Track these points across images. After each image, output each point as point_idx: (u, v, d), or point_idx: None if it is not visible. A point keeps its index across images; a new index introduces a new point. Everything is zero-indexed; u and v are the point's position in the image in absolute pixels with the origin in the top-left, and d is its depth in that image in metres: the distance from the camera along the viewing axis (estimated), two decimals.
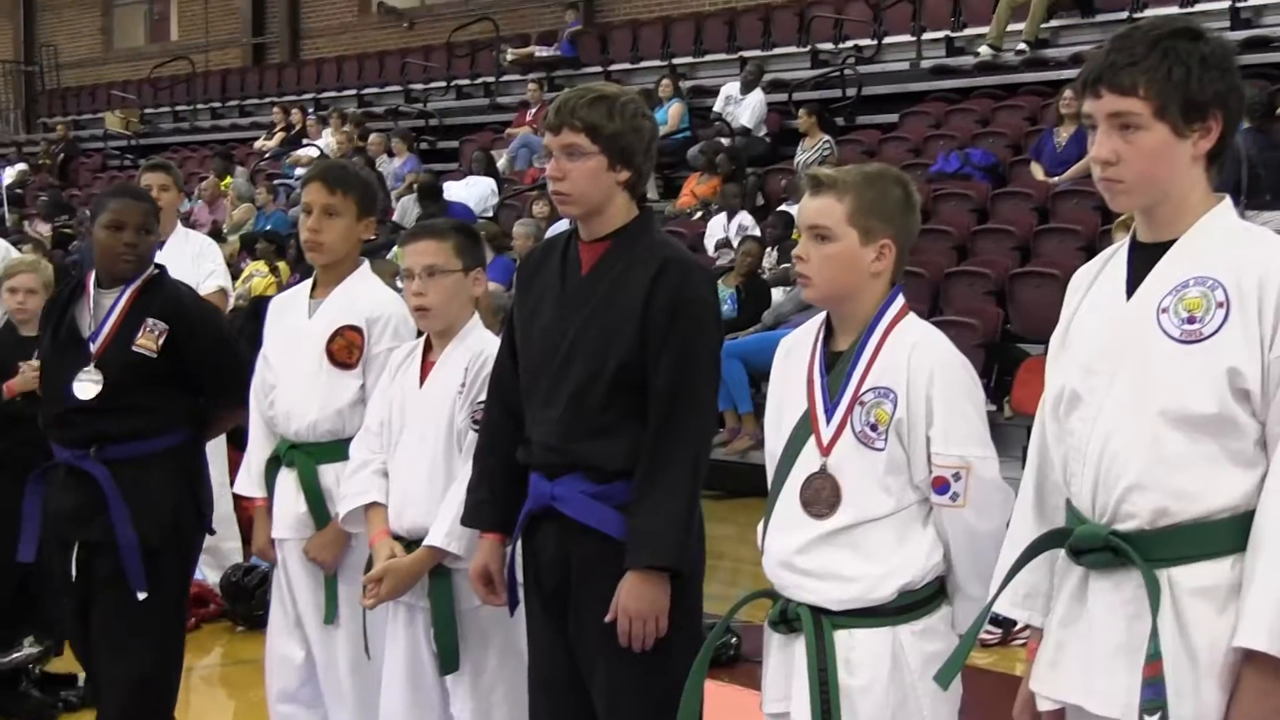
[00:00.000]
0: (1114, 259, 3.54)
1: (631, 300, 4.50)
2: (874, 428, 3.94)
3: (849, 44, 21.00)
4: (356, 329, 5.62)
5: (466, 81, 26.55)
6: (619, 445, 4.50)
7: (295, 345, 5.70)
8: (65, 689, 7.75)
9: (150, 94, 32.92)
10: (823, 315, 4.16)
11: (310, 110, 27.14)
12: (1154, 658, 3.25)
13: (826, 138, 18.18)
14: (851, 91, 19.80)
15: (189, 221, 19.38)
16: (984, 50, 19.01)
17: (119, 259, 5.96)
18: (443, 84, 26.71)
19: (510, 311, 4.88)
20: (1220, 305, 3.27)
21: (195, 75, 32.54)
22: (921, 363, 3.95)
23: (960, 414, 3.95)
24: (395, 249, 14.03)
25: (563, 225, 4.38)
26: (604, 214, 4.61)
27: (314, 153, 23.30)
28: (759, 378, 13.28)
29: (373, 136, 23.25)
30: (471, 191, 20.33)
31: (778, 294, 14.86)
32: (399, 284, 5.50)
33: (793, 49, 21.78)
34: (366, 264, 5.82)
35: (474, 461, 4.91)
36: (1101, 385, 3.39)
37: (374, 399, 5.44)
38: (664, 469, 4.44)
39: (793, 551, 4.00)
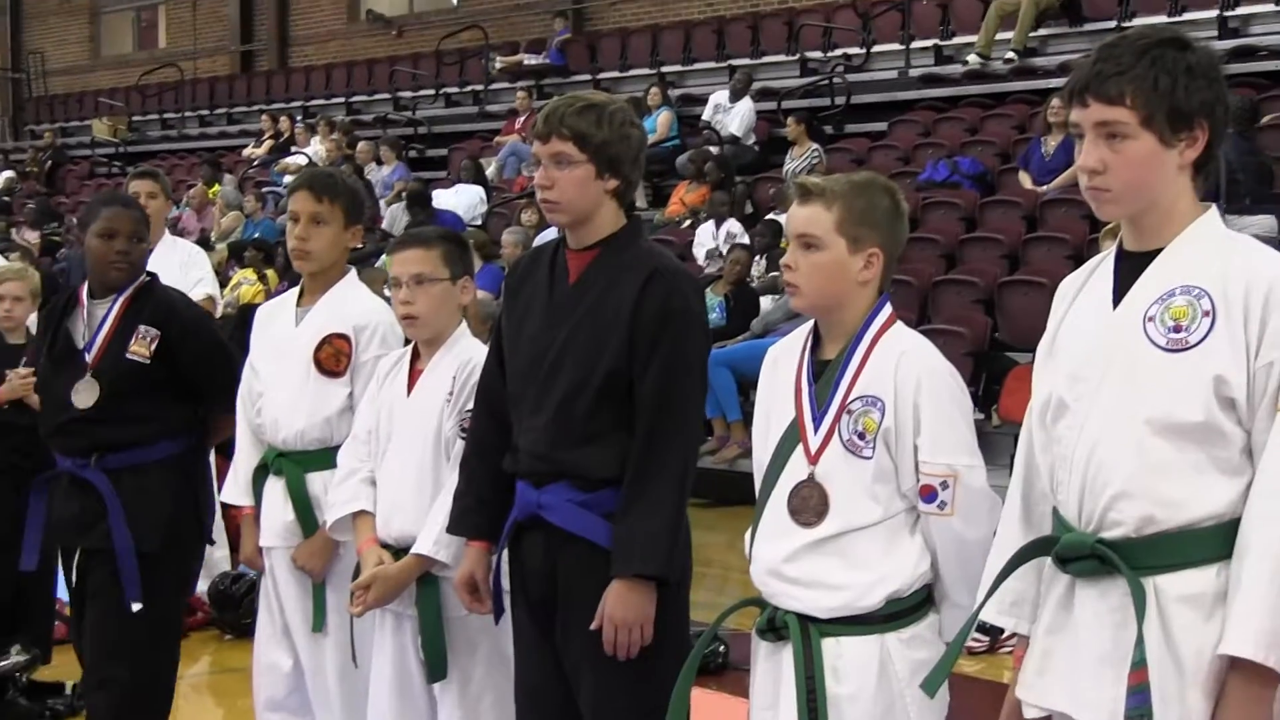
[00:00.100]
0: (1101, 268, 3.55)
1: (619, 309, 4.50)
2: (861, 436, 3.95)
3: (838, 52, 21.02)
4: (344, 337, 5.62)
5: (455, 89, 26.55)
6: (606, 453, 4.50)
7: (283, 353, 5.70)
8: (53, 697, 7.73)
9: (138, 101, 32.95)
10: (811, 323, 4.16)
11: (299, 118, 27.12)
12: (1140, 665, 3.25)
13: (815, 146, 18.18)
14: (840, 100, 19.79)
15: (177, 229, 19.37)
16: (972, 59, 19.03)
17: (112, 267, 5.99)
18: (431, 92, 26.72)
19: (498, 319, 4.88)
20: (1206, 314, 3.28)
21: (183, 83, 32.54)
22: (909, 371, 3.96)
23: (948, 422, 3.95)
24: (384, 257, 14.03)
25: (551, 233, 4.39)
26: (592, 222, 4.61)
27: (302, 160, 23.29)
28: (747, 386, 13.27)
29: (361, 144, 23.23)
30: (460, 199, 20.33)
31: (766, 302, 14.85)
32: (388, 292, 5.50)
33: (781, 57, 21.81)
34: (354, 272, 5.82)
35: (460, 469, 4.90)
36: (1088, 393, 3.40)
37: (362, 407, 5.44)
38: (651, 477, 4.44)
39: (780, 560, 4.00)
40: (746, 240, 16.34)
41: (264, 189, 23.32)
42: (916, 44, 20.12)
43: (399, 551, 5.14)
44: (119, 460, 5.94)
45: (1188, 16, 17.24)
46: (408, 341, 5.43)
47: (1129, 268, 3.45)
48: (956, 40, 19.86)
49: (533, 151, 4.74)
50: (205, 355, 6.04)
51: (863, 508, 3.95)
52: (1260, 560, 3.20)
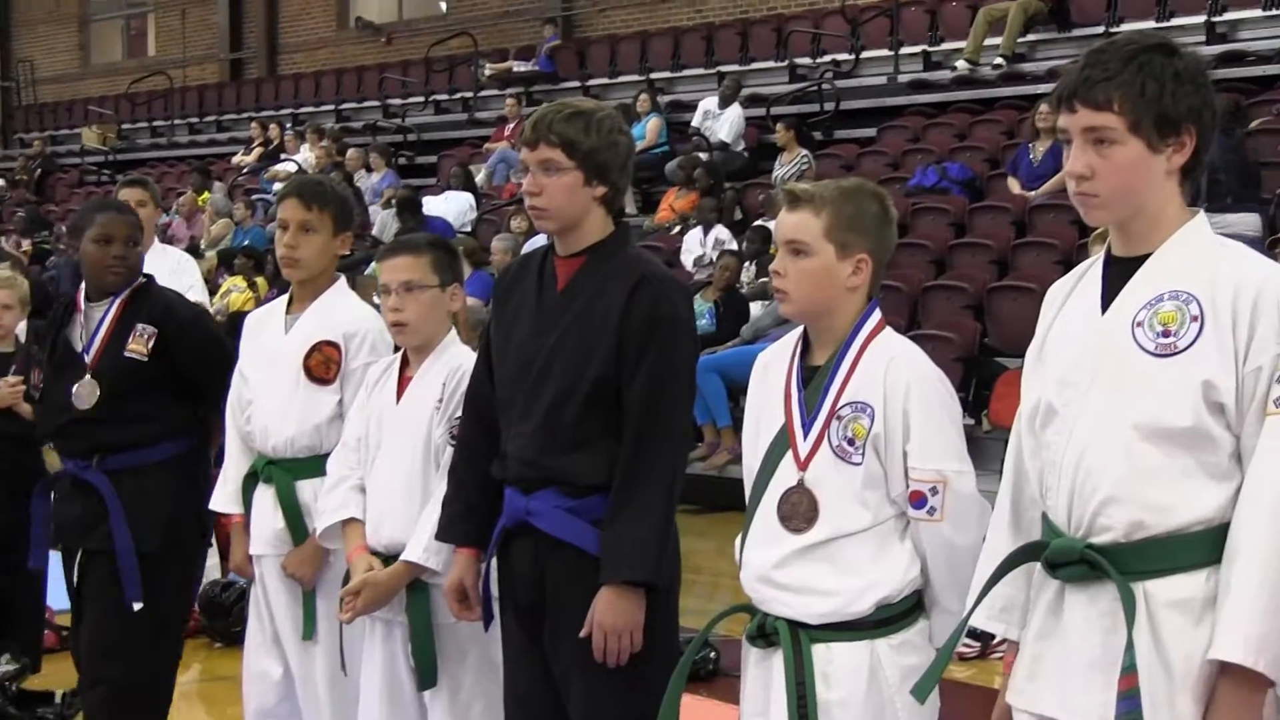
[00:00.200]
0: (1089, 273, 3.55)
1: (607, 315, 4.51)
2: (851, 442, 3.95)
3: (826, 58, 21.04)
4: (334, 344, 5.62)
5: (444, 96, 26.56)
6: (594, 460, 4.51)
7: (272, 361, 5.69)
8: (42, 706, 7.72)
9: (128, 109, 32.93)
10: (800, 329, 4.16)
11: (288, 125, 27.11)
12: (1129, 670, 3.26)
13: (804, 152, 18.18)
14: (829, 106, 19.81)
15: (166, 237, 19.38)
16: (961, 64, 19.05)
17: (108, 271, 6.05)
18: (421, 99, 26.72)
19: (487, 326, 4.88)
20: (1195, 319, 3.29)
21: (173, 90, 32.51)
22: (898, 377, 3.96)
23: (937, 428, 3.96)
24: (373, 264, 14.02)
25: (540, 240, 4.39)
26: (580, 229, 4.62)
27: (292, 168, 23.26)
28: (737, 392, 13.27)
29: (350, 151, 23.22)
30: (450, 206, 20.32)
31: (756, 308, 14.86)
32: (377, 299, 5.50)
33: (770, 63, 21.82)
34: (343, 279, 5.82)
35: (449, 476, 4.90)
36: (1077, 399, 3.41)
37: (351, 414, 5.43)
38: (639, 484, 4.44)
39: (770, 566, 4.01)
40: (735, 245, 16.34)
41: (253, 196, 23.31)
42: (905, 50, 20.14)
43: (388, 559, 5.13)
44: (120, 461, 6.01)
45: (1176, 22, 17.28)
46: (398, 349, 5.43)
47: (1117, 273, 3.45)
48: (945, 46, 19.87)
49: (521, 158, 4.74)
50: (203, 352, 6.08)
51: (852, 514, 3.95)
52: (1249, 565, 3.21)
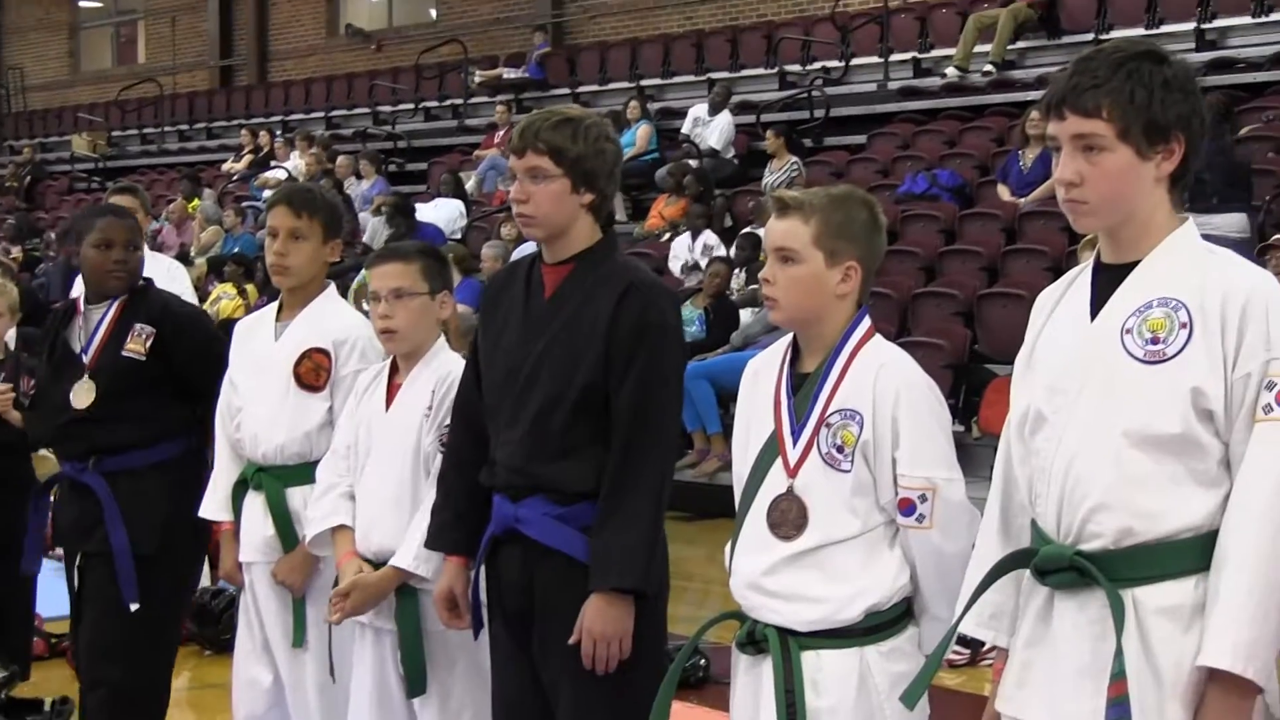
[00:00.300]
0: (1078, 280, 3.56)
1: (595, 322, 4.51)
2: (840, 449, 3.95)
3: (816, 65, 21.04)
4: (324, 351, 5.61)
5: (434, 103, 26.55)
6: (582, 467, 4.51)
7: (262, 368, 5.69)
8: (31, 714, 7.70)
9: (117, 116, 32.92)
10: (790, 336, 4.16)
11: (278, 132, 27.11)
12: (1119, 677, 3.26)
13: (794, 159, 18.19)
14: (819, 113, 19.81)
15: (156, 244, 19.39)
16: (951, 72, 19.06)
17: (109, 276, 6.10)
18: (411, 106, 26.73)
19: (475, 333, 4.88)
20: (1184, 326, 3.29)
21: (163, 98, 32.50)
22: (887, 384, 3.96)
23: (926, 435, 3.96)
24: (363, 271, 14.01)
25: (530, 247, 4.39)
26: (567, 236, 4.62)
27: (282, 175, 23.25)
28: (727, 398, 13.28)
29: (340, 159, 23.21)
30: (439, 213, 20.30)
31: (746, 315, 14.86)
32: (365, 306, 5.50)
33: (760, 70, 21.83)
34: (333, 286, 5.82)
35: (438, 484, 4.91)
36: (1066, 405, 3.41)
37: (341, 422, 5.43)
38: (628, 491, 4.44)
39: (760, 573, 4.01)
40: (723, 251, 16.35)
41: (243, 204, 23.30)
42: (895, 57, 20.15)
43: (378, 565, 5.13)
44: (117, 463, 6.04)
45: (1165, 29, 17.29)
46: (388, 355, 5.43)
47: (1106, 280, 3.46)
48: (935, 53, 19.89)
49: (509, 165, 4.75)
50: (200, 351, 6.11)
51: (841, 521, 3.95)
52: (1238, 572, 3.21)
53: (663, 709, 4.17)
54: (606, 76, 23.90)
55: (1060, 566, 3.39)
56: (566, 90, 23.80)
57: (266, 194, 21.49)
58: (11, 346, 7.78)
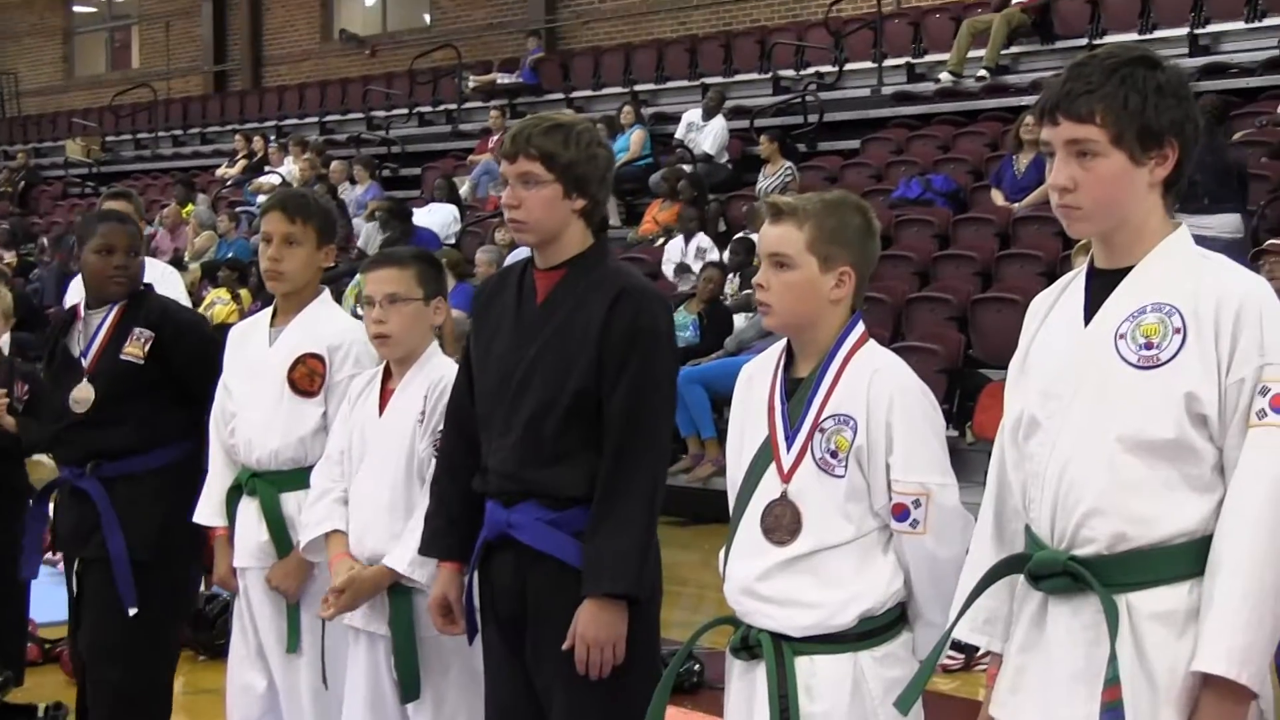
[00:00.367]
0: (1072, 285, 3.56)
1: (587, 328, 4.51)
2: (834, 455, 3.95)
3: (810, 70, 21.06)
4: (318, 356, 5.62)
5: (429, 108, 26.57)
6: (575, 472, 4.51)
7: (256, 374, 5.69)
8: None
9: (111, 122, 32.91)
10: (784, 342, 4.16)
11: (272, 137, 27.11)
12: (1113, 683, 3.25)
13: (788, 164, 18.19)
14: (813, 118, 19.81)
15: (150, 249, 19.33)
16: (945, 76, 19.08)
17: (110, 281, 6.13)
18: (405, 111, 26.73)
19: (468, 339, 4.88)
20: (1177, 331, 3.30)
21: (157, 103, 32.52)
22: (881, 390, 3.96)
23: (920, 441, 3.96)
24: (358, 276, 14.00)
25: (524, 252, 4.40)
26: (559, 242, 4.62)
27: (276, 180, 23.26)
28: (721, 403, 13.27)
29: (334, 164, 23.21)
30: (434, 218, 20.29)
31: (740, 320, 14.86)
32: (359, 310, 5.50)
33: (754, 75, 21.86)
34: (327, 291, 5.82)
35: (431, 490, 4.90)
36: (1060, 411, 3.41)
37: (335, 427, 5.43)
38: (620, 496, 4.44)
39: (754, 578, 4.00)
40: (716, 253, 16.36)
41: (237, 209, 23.27)
42: (889, 62, 20.18)
43: None
44: (115, 469, 6.06)
45: (1159, 34, 17.34)
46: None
47: (1100, 285, 3.46)
48: (929, 58, 19.92)
49: (500, 171, 4.75)
50: (198, 356, 6.11)
51: (835, 526, 3.95)
52: (1232, 577, 3.21)
53: (657, 714, 4.17)
54: (600, 81, 23.93)
55: (1054, 571, 3.39)
56: (560, 95, 23.84)
57: (260, 199, 21.45)
58: (6, 352, 7.77)
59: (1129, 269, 3.42)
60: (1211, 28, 17.48)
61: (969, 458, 10.90)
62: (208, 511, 5.85)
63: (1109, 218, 3.41)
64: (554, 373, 4.52)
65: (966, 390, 12.85)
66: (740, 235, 16.35)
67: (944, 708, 5.57)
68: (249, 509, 5.68)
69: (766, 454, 4.03)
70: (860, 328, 4.09)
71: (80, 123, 33.40)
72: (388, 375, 5.29)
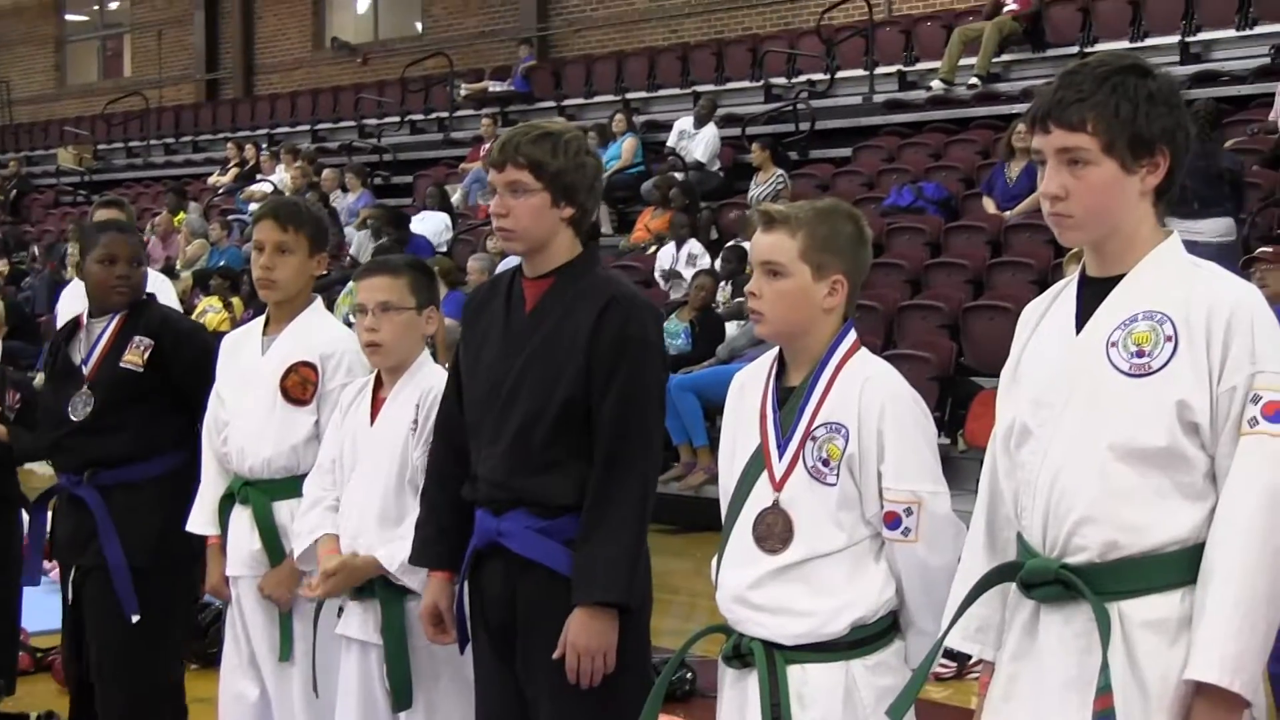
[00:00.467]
0: (1064, 293, 3.56)
1: (576, 336, 4.51)
2: (826, 463, 3.95)
3: (802, 78, 21.07)
4: (310, 365, 5.61)
5: (420, 116, 26.55)
6: (564, 481, 4.50)
7: (249, 382, 5.68)
8: None
9: (103, 130, 32.89)
10: (776, 350, 4.16)
11: (264, 146, 27.08)
12: (1105, 690, 3.26)
13: (780, 172, 18.20)
14: (805, 126, 19.82)
15: None
16: (936, 84, 19.08)
17: (113, 291, 6.16)
18: (397, 119, 26.73)
19: (457, 348, 4.88)
20: (1169, 339, 3.30)
21: (148, 111, 32.48)
22: (873, 398, 3.96)
23: (912, 449, 3.96)
24: (350, 284, 13.99)
25: (516, 260, 4.39)
26: (548, 250, 4.62)
27: (268, 188, 23.23)
28: (714, 411, 13.27)
29: (326, 172, 23.20)
30: (425, 226, 20.27)
31: (732, 328, 14.85)
32: (351, 319, 5.49)
33: (746, 83, 21.85)
34: (319, 300, 5.82)
35: (421, 499, 4.90)
36: (1051, 419, 3.41)
37: (326, 436, 5.43)
38: (610, 504, 4.44)
39: (746, 586, 4.00)
40: (707, 260, 16.36)
41: (229, 217, 23.29)
42: (880, 70, 20.17)
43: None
44: (112, 477, 6.08)
45: (1150, 42, 17.35)
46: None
47: (1092, 293, 3.46)
48: (920, 66, 19.92)
49: (489, 179, 4.75)
50: (197, 365, 6.11)
51: (827, 534, 3.95)
52: (1224, 585, 3.22)
53: None
54: (592, 90, 23.92)
55: (1046, 580, 3.40)
56: (552, 103, 23.83)
57: (252, 207, 21.50)
58: None
59: (1120, 277, 3.42)
60: (1203, 35, 17.50)
61: (961, 466, 10.92)
62: (200, 520, 5.85)
63: (1100, 226, 3.42)
64: (543, 381, 4.52)
65: (958, 398, 12.84)
66: (732, 243, 16.34)
67: (936, 716, 5.57)
68: (241, 517, 5.67)
69: (758, 462, 4.03)
70: (852, 336, 4.09)
71: (72, 131, 33.39)
72: (379, 384, 5.29)
